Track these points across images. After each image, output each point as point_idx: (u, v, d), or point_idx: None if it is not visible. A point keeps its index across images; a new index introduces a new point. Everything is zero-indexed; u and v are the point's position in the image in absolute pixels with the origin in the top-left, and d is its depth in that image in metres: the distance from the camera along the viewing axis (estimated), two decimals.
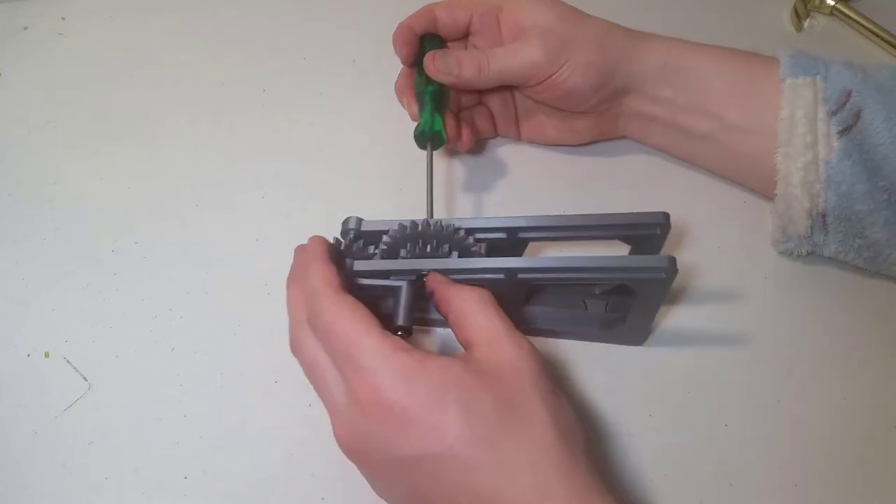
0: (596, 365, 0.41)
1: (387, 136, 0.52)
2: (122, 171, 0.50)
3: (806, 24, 0.60)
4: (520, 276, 0.35)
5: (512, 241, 0.38)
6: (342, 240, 0.37)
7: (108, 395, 0.40)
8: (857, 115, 0.39)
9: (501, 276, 0.35)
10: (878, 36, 0.58)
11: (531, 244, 0.39)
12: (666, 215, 0.37)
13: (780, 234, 0.43)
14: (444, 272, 0.35)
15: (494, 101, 0.49)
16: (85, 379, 0.41)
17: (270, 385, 0.40)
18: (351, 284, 0.35)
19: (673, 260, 0.34)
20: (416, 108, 0.45)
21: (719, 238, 0.46)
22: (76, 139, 0.52)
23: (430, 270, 0.35)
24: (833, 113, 0.40)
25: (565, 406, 0.30)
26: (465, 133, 0.46)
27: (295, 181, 0.50)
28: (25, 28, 0.59)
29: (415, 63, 0.46)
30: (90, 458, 0.38)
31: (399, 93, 0.47)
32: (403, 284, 0.35)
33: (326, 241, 0.35)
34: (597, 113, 0.47)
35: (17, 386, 0.41)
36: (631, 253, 0.40)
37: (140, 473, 0.38)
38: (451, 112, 0.47)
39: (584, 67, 0.42)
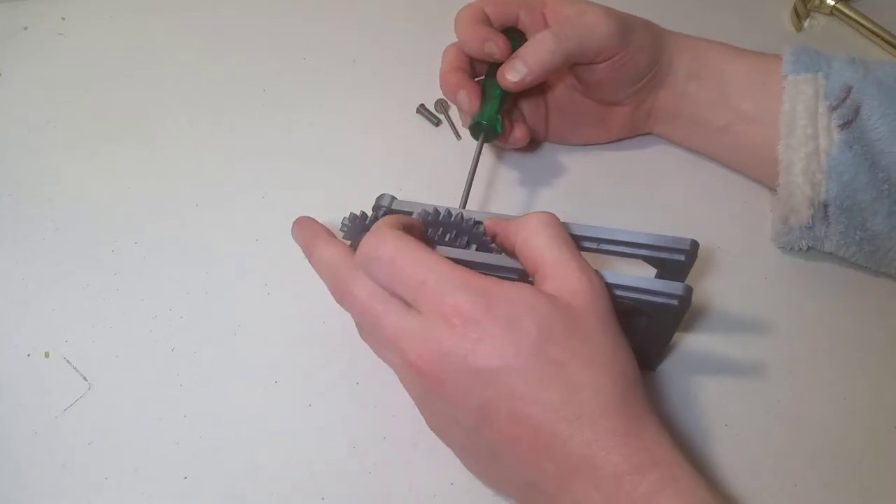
0: None
1: (387, 136, 0.52)
2: (122, 171, 0.50)
3: (806, 24, 0.60)
4: (530, 279, 0.34)
5: None
6: (368, 214, 0.38)
7: (108, 395, 0.40)
8: (857, 111, 0.40)
9: (514, 277, 0.35)
10: (878, 36, 0.58)
11: None
12: (694, 243, 0.36)
13: (782, 226, 0.44)
14: (459, 263, 0.35)
15: (526, 100, 0.49)
16: (85, 379, 0.41)
17: (270, 385, 0.40)
18: None
19: (689, 289, 0.33)
20: (475, 102, 0.44)
21: (719, 239, 0.46)
22: (76, 139, 0.52)
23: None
24: (833, 108, 0.41)
25: (625, 342, 0.32)
26: (521, 130, 0.47)
27: (295, 181, 0.50)
28: (25, 28, 0.59)
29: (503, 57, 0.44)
30: (90, 458, 0.38)
31: (452, 88, 0.45)
32: None
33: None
34: (634, 105, 0.48)
35: (17, 386, 0.40)
36: (657, 276, 0.38)
37: (140, 473, 0.38)
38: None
39: (645, 45, 0.44)
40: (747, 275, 0.45)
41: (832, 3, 0.60)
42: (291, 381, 0.41)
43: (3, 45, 0.58)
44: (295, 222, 0.38)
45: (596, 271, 0.32)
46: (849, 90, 0.41)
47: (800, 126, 0.41)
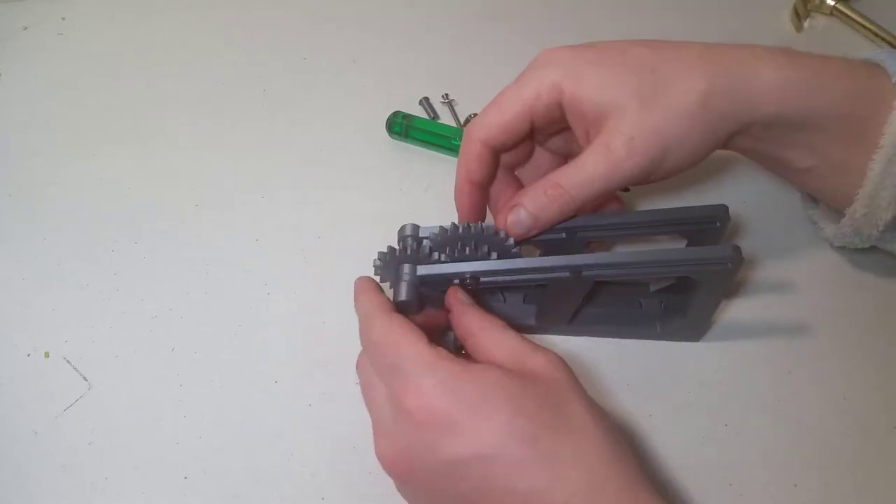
0: (595, 364, 0.41)
1: (386, 136, 0.52)
2: (122, 171, 0.50)
3: (806, 24, 0.60)
4: (584, 273, 0.34)
5: (571, 240, 0.37)
6: (395, 248, 0.36)
7: (108, 395, 0.40)
8: None
9: (567, 273, 0.34)
10: (878, 36, 0.58)
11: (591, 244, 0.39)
12: (724, 208, 0.36)
13: (853, 234, 0.40)
14: (506, 272, 0.35)
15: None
16: (85, 379, 0.41)
17: (270, 385, 0.41)
18: (416, 292, 0.35)
19: (737, 249, 0.34)
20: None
21: None
22: (76, 139, 0.52)
23: (479, 272, 0.35)
24: None
25: (600, 409, 0.31)
26: None
27: (295, 181, 0.50)
28: (25, 28, 0.59)
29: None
30: (90, 458, 0.38)
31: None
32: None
33: (371, 278, 0.36)
34: None
35: (17, 386, 0.41)
36: (687, 246, 0.39)
37: (140, 473, 0.38)
38: None
39: (700, 148, 0.37)
40: (746, 275, 0.45)
41: (832, 3, 0.60)
42: (291, 381, 0.41)
43: (3, 45, 0.58)
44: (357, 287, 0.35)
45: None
46: None
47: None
